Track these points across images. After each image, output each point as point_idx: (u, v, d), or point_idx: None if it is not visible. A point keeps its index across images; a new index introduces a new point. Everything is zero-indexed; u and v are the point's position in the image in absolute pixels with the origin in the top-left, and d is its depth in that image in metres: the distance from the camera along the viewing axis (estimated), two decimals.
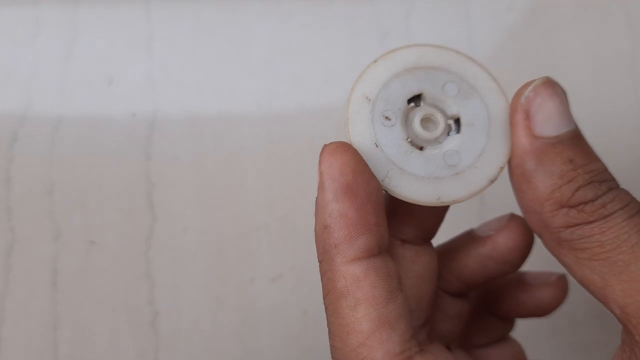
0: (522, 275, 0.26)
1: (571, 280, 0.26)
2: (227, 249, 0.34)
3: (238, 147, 0.35)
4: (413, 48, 0.22)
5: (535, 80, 0.20)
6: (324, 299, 0.20)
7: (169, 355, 0.33)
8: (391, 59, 0.22)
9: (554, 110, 0.20)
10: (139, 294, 0.34)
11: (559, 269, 0.25)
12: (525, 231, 0.24)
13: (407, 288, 0.23)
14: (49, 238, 0.34)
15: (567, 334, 0.35)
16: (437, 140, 0.21)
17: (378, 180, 0.20)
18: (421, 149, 0.21)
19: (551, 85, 0.20)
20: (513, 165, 0.20)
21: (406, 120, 0.21)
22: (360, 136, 0.21)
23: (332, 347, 0.20)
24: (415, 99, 0.22)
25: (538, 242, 0.24)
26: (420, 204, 0.21)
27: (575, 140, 0.19)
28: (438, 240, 0.25)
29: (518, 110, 0.20)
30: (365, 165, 0.20)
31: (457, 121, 0.22)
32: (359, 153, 0.20)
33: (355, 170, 0.19)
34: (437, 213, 0.24)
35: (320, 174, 0.19)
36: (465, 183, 0.21)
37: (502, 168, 0.21)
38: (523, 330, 0.29)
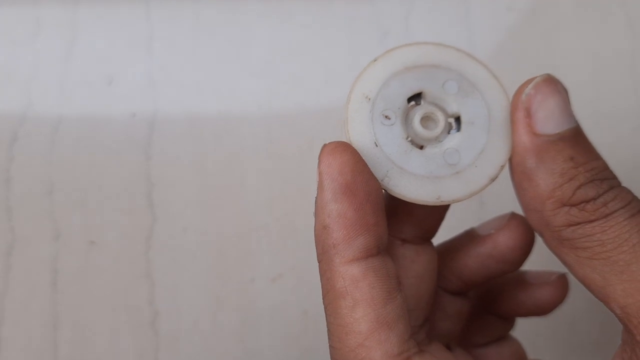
0: (523, 274, 0.26)
1: (571, 279, 0.26)
2: (227, 249, 0.34)
3: (238, 147, 0.35)
4: (413, 46, 0.22)
5: (536, 77, 0.20)
6: (323, 299, 0.20)
7: (169, 355, 0.33)
8: (391, 57, 0.22)
9: (555, 107, 0.19)
10: (139, 294, 0.34)
11: (559, 268, 0.25)
12: (526, 230, 0.24)
13: (407, 287, 0.23)
14: (49, 238, 0.34)
15: (567, 334, 0.35)
16: (437, 139, 0.21)
17: (377, 180, 0.20)
18: (421, 147, 0.21)
19: (552, 82, 0.20)
20: (514, 164, 0.20)
21: (406, 119, 0.21)
22: (360, 135, 0.20)
23: (331, 347, 0.20)
24: (416, 97, 0.21)
25: (538, 241, 0.24)
26: (420, 203, 0.20)
27: (576, 137, 0.19)
28: (437, 240, 0.25)
29: (519, 108, 0.20)
30: (365, 165, 0.19)
31: (458, 119, 0.21)
32: (358, 153, 0.20)
33: (354, 170, 0.19)
34: (437, 212, 0.24)
35: (320, 174, 0.19)
36: (466, 182, 0.21)
37: (502, 166, 0.21)
38: (523, 329, 0.29)
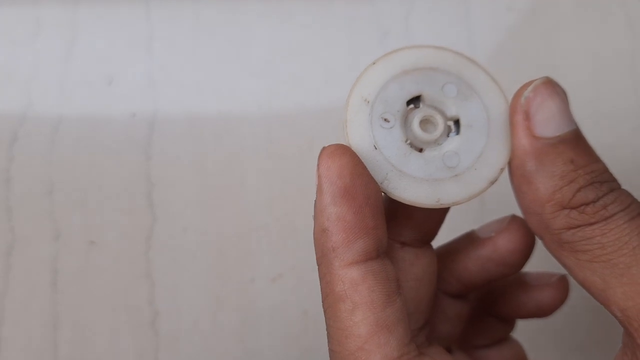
0: (523, 276, 0.26)
1: (571, 281, 0.26)
2: (227, 249, 0.34)
3: (238, 147, 0.35)
4: (412, 49, 0.22)
5: (534, 80, 0.20)
6: (322, 302, 0.20)
7: (169, 355, 0.33)
8: (390, 60, 0.22)
9: (554, 110, 0.19)
10: (139, 294, 0.34)
11: (559, 270, 0.25)
12: (526, 233, 0.24)
13: (406, 290, 0.22)
14: (49, 238, 0.34)
15: (568, 335, 0.35)
16: (436, 142, 0.21)
17: (377, 183, 0.20)
18: (420, 150, 0.21)
19: (551, 85, 0.20)
20: (513, 167, 0.20)
21: (405, 121, 0.21)
22: (359, 138, 0.20)
23: (330, 351, 0.20)
24: (415, 100, 0.21)
25: (538, 243, 0.24)
26: (420, 206, 0.20)
27: (576, 140, 0.19)
28: (437, 242, 0.25)
29: (518, 111, 0.20)
30: (364, 168, 0.19)
31: (457, 122, 0.21)
32: (357, 156, 0.19)
33: (354, 173, 0.19)
34: (437, 215, 0.23)
35: (319, 177, 0.19)
36: (465, 185, 0.21)
37: (502, 169, 0.21)
38: (524, 329, 0.29)
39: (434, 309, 0.24)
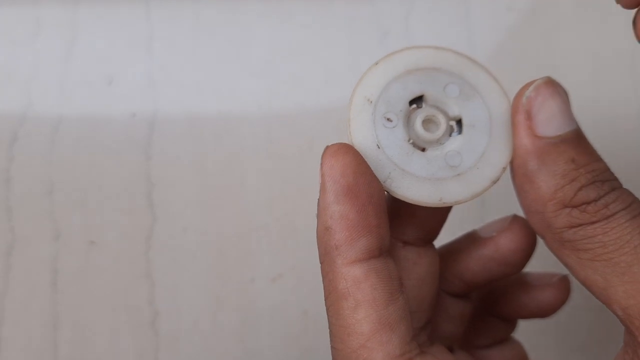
0: (524, 276, 0.26)
1: (573, 280, 0.26)
2: (227, 249, 0.34)
3: (238, 147, 0.35)
4: (414, 50, 0.22)
5: (536, 80, 0.20)
6: (325, 300, 0.20)
7: (169, 355, 0.33)
8: (392, 60, 0.22)
9: (555, 109, 0.19)
10: (139, 294, 0.34)
11: (561, 270, 0.25)
12: (527, 232, 0.24)
13: (409, 289, 0.23)
14: (49, 238, 0.34)
15: (569, 335, 0.35)
16: (438, 142, 0.21)
17: (380, 182, 0.20)
18: (423, 150, 0.21)
19: (552, 84, 0.20)
20: (515, 166, 0.20)
21: (408, 121, 0.21)
22: (362, 138, 0.21)
23: (332, 348, 0.20)
24: (417, 100, 0.22)
25: (539, 244, 0.24)
26: (422, 205, 0.21)
27: (577, 139, 0.19)
28: (438, 242, 0.25)
29: (519, 111, 0.20)
30: (367, 167, 0.20)
31: (459, 122, 0.21)
32: (360, 154, 0.20)
33: (357, 171, 0.19)
34: (439, 214, 0.24)
35: (322, 175, 0.19)
36: (467, 184, 0.21)
37: (504, 169, 0.21)
38: (525, 329, 0.29)
39: (436, 308, 0.24)
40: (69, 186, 0.34)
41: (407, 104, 0.21)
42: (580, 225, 0.19)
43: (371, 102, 0.21)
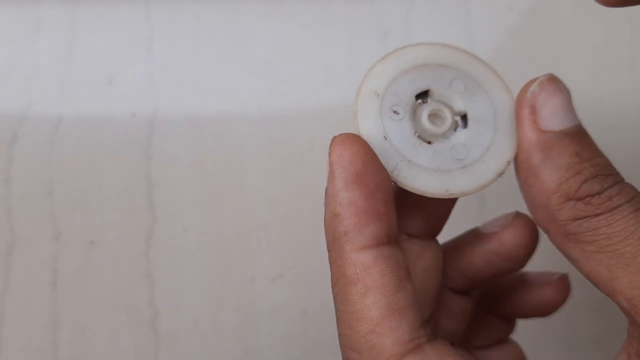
0: (524, 275, 0.26)
1: (572, 279, 0.26)
2: (227, 249, 0.34)
3: (238, 147, 0.35)
4: (420, 46, 0.22)
5: (539, 77, 0.20)
6: (332, 287, 0.20)
7: (169, 355, 0.33)
8: (399, 56, 0.22)
9: (559, 105, 0.20)
10: (139, 294, 0.34)
11: (560, 269, 0.25)
12: (530, 228, 0.24)
13: (414, 282, 0.23)
14: (49, 238, 0.34)
15: (568, 335, 0.35)
16: (444, 135, 0.21)
17: (387, 172, 0.20)
18: (429, 143, 0.21)
19: (555, 81, 0.20)
20: (520, 160, 0.20)
21: (414, 115, 0.21)
22: (369, 129, 0.21)
23: (340, 335, 0.20)
24: (423, 95, 0.22)
25: (541, 243, 0.24)
26: (429, 195, 0.21)
27: (580, 134, 0.20)
28: (439, 241, 0.25)
29: (524, 105, 0.20)
30: (375, 156, 0.20)
31: (464, 118, 0.22)
32: (368, 144, 0.20)
33: (365, 160, 0.19)
34: (445, 206, 0.24)
35: (330, 163, 0.19)
36: (473, 176, 0.21)
37: (509, 162, 0.21)
38: (525, 328, 0.29)
39: (439, 303, 0.24)
40: (69, 186, 0.34)
41: (414, 98, 0.22)
42: (585, 217, 0.19)
43: (378, 94, 0.21)
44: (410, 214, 0.23)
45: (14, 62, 0.36)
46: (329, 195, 0.20)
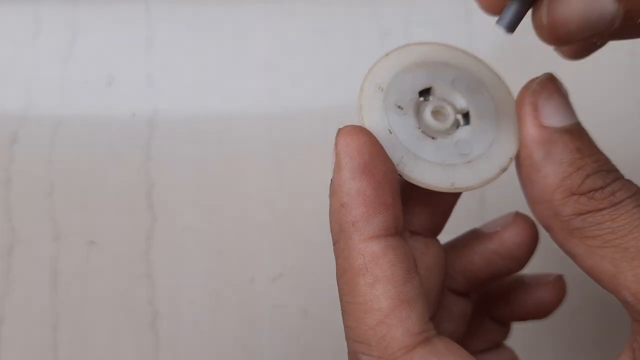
0: (521, 277, 0.26)
1: (568, 280, 0.26)
2: (227, 249, 0.34)
3: (238, 147, 0.35)
4: (423, 45, 0.23)
5: (540, 76, 0.21)
6: (338, 280, 0.20)
7: (169, 355, 0.33)
8: (402, 53, 0.22)
9: (559, 103, 0.20)
10: (139, 294, 0.34)
11: (558, 271, 0.25)
12: (531, 227, 0.24)
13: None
14: (49, 238, 0.34)
15: (567, 335, 0.35)
16: (447, 132, 0.22)
17: (393, 164, 0.20)
18: (433, 138, 0.21)
19: (555, 80, 0.21)
20: (522, 157, 0.20)
21: (417, 112, 0.22)
22: (374, 123, 0.21)
23: (346, 327, 0.20)
24: (425, 93, 0.22)
25: (540, 244, 0.24)
26: (435, 189, 0.21)
27: (580, 132, 0.20)
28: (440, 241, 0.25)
29: (526, 103, 0.20)
30: (381, 147, 0.20)
31: (466, 115, 0.22)
32: (374, 135, 0.20)
33: (372, 150, 0.19)
34: (448, 202, 0.24)
35: (337, 154, 0.19)
36: (478, 171, 0.21)
37: (511, 158, 0.21)
38: (523, 329, 0.29)
39: (440, 304, 0.24)
40: (69, 186, 0.34)
41: (417, 94, 0.22)
42: (589, 212, 0.19)
43: (382, 89, 0.21)
44: (413, 210, 0.23)
45: (14, 62, 0.36)
46: (336, 186, 0.20)
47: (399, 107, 0.21)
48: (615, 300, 0.20)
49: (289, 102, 0.36)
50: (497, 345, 0.27)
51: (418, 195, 0.23)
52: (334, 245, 0.20)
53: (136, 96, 0.36)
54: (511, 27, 0.20)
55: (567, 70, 0.37)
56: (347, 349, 0.20)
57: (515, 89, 0.22)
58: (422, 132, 0.21)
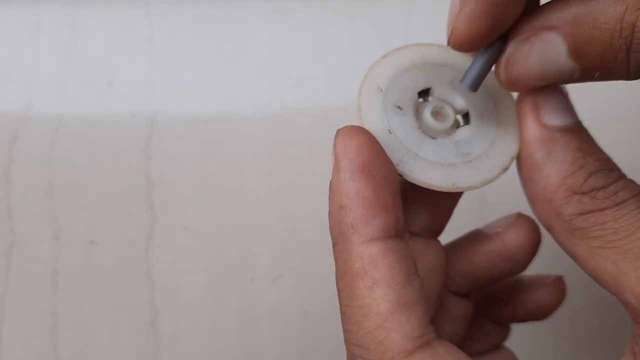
0: (520, 279, 0.26)
1: (568, 281, 0.26)
2: (227, 249, 0.34)
3: (238, 147, 0.35)
4: (422, 46, 0.23)
5: None
6: (337, 282, 0.20)
7: (169, 355, 0.33)
8: (401, 54, 0.22)
9: (560, 102, 0.20)
10: (139, 294, 0.34)
11: (558, 272, 0.25)
12: (533, 228, 0.24)
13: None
14: (49, 238, 0.34)
15: (568, 336, 0.35)
16: (447, 132, 0.22)
17: (393, 164, 0.20)
18: (433, 138, 0.21)
19: None
20: (523, 156, 0.20)
21: (416, 112, 0.22)
22: (374, 123, 0.21)
23: (345, 331, 0.19)
24: (424, 94, 0.22)
25: (541, 245, 0.24)
26: (436, 189, 0.21)
27: (581, 131, 0.20)
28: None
29: (526, 102, 0.20)
30: (381, 148, 0.20)
31: (465, 116, 0.22)
32: (373, 136, 0.20)
33: (371, 151, 0.19)
34: (449, 202, 0.24)
35: (336, 155, 0.19)
36: (479, 170, 0.21)
37: (513, 158, 0.21)
38: (524, 329, 0.29)
39: (440, 305, 0.24)
40: (69, 186, 0.34)
41: (416, 95, 0.22)
42: (591, 211, 0.19)
43: (381, 90, 0.21)
44: (413, 211, 0.23)
45: (14, 62, 0.36)
46: (334, 188, 0.19)
47: (398, 107, 0.21)
48: (617, 302, 0.19)
49: (289, 102, 0.36)
50: (497, 346, 0.27)
51: (418, 196, 0.22)
52: (333, 247, 0.20)
53: (136, 96, 0.36)
54: (474, 86, 0.20)
55: None
56: (345, 352, 0.20)
57: None
58: (422, 132, 0.21)
